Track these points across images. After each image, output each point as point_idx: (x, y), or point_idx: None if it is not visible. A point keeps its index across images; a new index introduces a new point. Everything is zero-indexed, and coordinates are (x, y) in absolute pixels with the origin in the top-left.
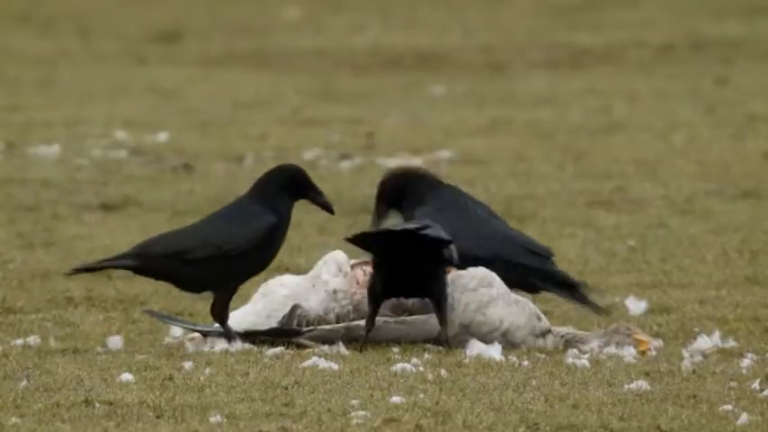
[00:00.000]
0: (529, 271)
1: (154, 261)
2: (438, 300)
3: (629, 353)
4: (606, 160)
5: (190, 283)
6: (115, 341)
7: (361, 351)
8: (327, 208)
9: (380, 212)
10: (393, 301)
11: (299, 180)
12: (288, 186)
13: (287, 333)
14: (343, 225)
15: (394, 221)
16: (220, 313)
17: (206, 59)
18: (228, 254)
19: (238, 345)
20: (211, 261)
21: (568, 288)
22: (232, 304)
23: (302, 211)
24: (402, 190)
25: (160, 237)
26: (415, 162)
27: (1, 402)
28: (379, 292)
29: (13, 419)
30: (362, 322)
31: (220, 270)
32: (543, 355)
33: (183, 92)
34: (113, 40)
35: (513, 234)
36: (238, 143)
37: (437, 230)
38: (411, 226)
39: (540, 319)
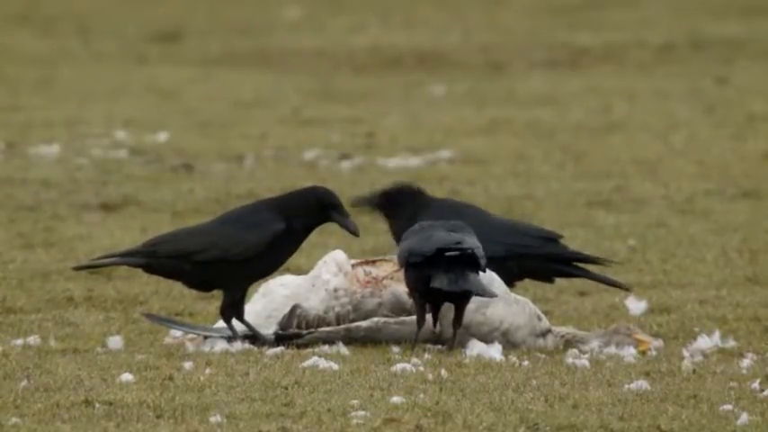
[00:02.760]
0: (545, 260)
1: (162, 260)
2: (463, 304)
3: (629, 353)
4: (606, 160)
5: (197, 283)
6: (115, 341)
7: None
8: (351, 230)
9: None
10: (393, 300)
11: (324, 203)
12: (312, 208)
13: (287, 337)
14: None
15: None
16: (225, 312)
17: (206, 59)
18: (234, 258)
19: (238, 345)
20: (217, 264)
21: (584, 272)
22: None
23: None
24: (399, 204)
25: (169, 235)
26: (415, 162)
27: (1, 402)
28: (420, 296)
29: (13, 419)
30: (363, 323)
31: (226, 272)
32: (543, 355)
33: (182, 92)
34: (113, 40)
35: (520, 226)
36: (238, 143)
37: (473, 240)
38: (463, 245)
39: (540, 319)
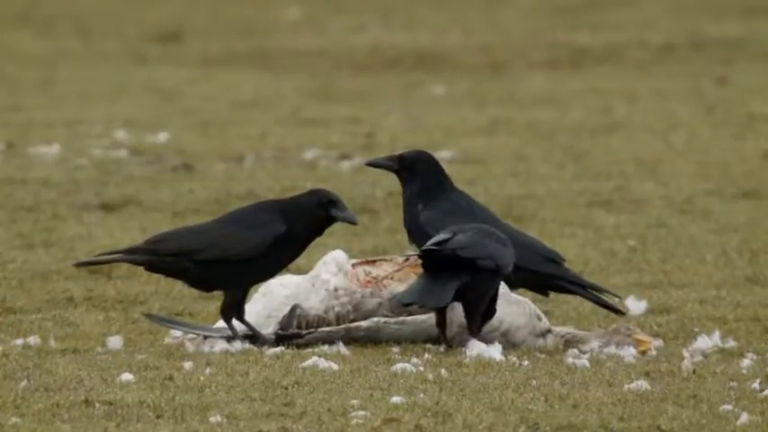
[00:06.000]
0: (544, 276)
1: (163, 258)
2: (471, 308)
3: (629, 353)
4: (606, 160)
5: (197, 282)
6: (115, 341)
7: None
8: (349, 220)
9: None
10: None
11: (323, 201)
12: (312, 209)
13: (287, 337)
14: (343, 225)
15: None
16: (225, 312)
17: (206, 59)
18: (234, 258)
19: (238, 345)
20: (218, 263)
21: (582, 290)
22: None
23: None
24: (417, 172)
25: (171, 233)
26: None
27: (1, 402)
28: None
29: (13, 419)
30: (363, 323)
31: (226, 272)
32: (543, 355)
33: (183, 92)
34: (113, 40)
35: (525, 240)
36: (238, 143)
37: (476, 245)
38: (465, 253)
39: (540, 319)
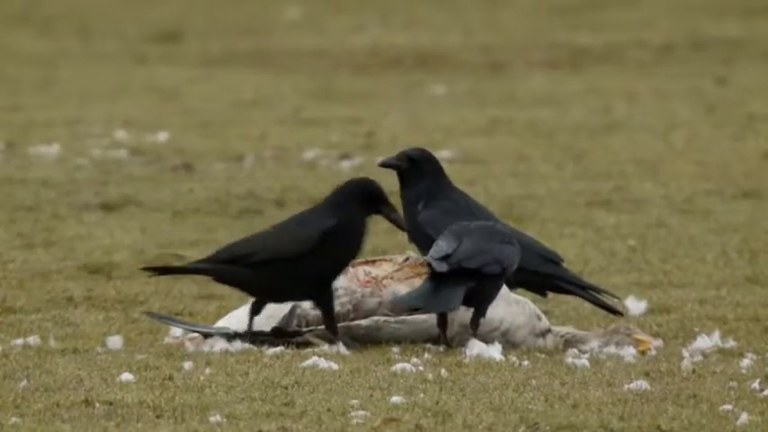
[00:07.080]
0: (542, 277)
1: (220, 266)
2: (477, 309)
3: (629, 353)
4: (606, 160)
5: (254, 288)
6: (115, 341)
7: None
8: (399, 225)
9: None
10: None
11: (370, 193)
12: (358, 198)
13: (287, 334)
14: None
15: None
16: (254, 306)
17: (206, 59)
18: (285, 257)
19: (238, 344)
20: (271, 265)
21: (581, 291)
22: (233, 304)
23: None
24: (423, 172)
25: (233, 243)
26: None
27: (1, 402)
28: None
29: (13, 419)
30: (362, 322)
31: (282, 274)
32: (543, 355)
33: (183, 92)
34: (113, 40)
35: (524, 240)
36: (238, 143)
37: (482, 253)
38: (472, 264)
39: (540, 318)
